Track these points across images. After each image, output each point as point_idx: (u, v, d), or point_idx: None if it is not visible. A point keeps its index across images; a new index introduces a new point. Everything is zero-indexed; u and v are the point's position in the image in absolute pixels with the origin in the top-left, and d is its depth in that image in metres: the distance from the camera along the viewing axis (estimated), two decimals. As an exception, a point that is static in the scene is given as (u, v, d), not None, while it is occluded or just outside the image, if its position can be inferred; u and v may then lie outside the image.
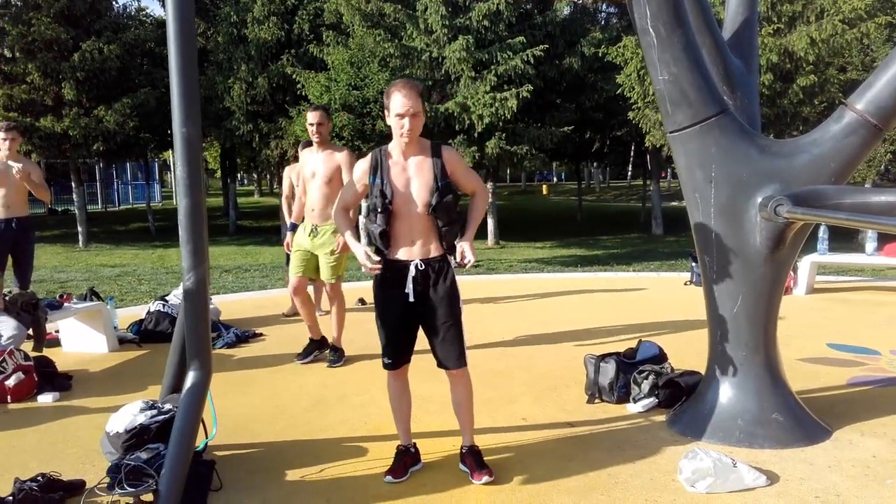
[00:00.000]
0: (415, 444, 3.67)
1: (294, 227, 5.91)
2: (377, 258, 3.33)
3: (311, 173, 5.65)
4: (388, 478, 3.47)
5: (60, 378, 5.12)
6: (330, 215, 5.50)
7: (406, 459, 3.57)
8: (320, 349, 5.82)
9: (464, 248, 3.32)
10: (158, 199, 35.89)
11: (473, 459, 3.52)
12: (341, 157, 5.61)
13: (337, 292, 5.73)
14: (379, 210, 3.33)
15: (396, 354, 3.50)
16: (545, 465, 3.62)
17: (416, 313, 3.42)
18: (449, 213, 3.34)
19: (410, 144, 3.34)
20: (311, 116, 5.56)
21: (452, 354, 3.44)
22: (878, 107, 3.66)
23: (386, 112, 3.36)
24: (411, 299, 3.36)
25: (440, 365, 3.50)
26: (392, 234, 3.37)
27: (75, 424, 4.34)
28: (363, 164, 3.46)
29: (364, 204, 3.59)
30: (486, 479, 3.42)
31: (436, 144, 3.42)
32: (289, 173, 7.23)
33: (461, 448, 3.62)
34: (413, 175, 3.35)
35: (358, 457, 3.80)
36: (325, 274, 5.64)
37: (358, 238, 3.51)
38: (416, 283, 3.36)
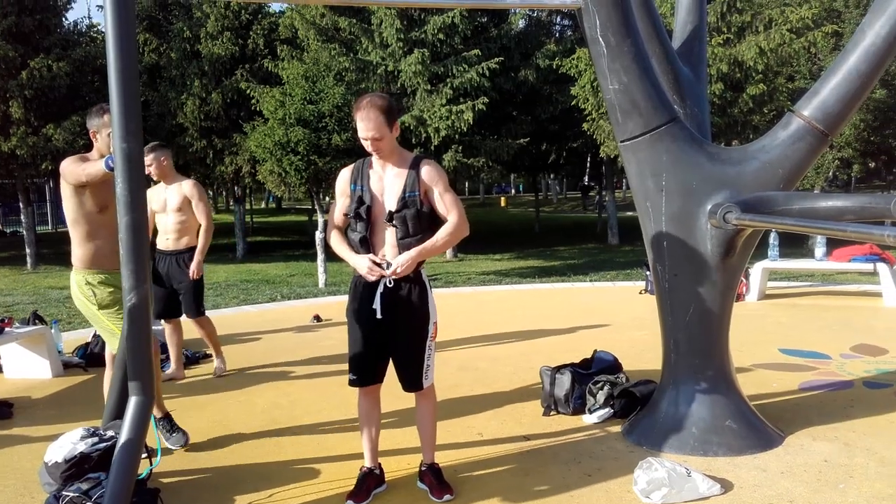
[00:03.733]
0: (380, 465, 3.56)
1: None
2: (380, 260, 3.19)
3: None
4: (350, 502, 3.34)
5: (0, 406, 4.92)
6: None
7: (370, 482, 3.45)
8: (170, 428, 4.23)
9: (402, 257, 3.16)
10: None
11: (434, 477, 3.44)
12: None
13: None
14: (356, 216, 3.24)
15: (362, 371, 3.37)
16: (501, 481, 3.56)
17: (385, 331, 3.30)
18: (406, 225, 3.19)
19: (386, 158, 3.25)
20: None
21: (410, 377, 3.35)
22: (825, 113, 3.70)
23: None
24: (379, 315, 3.25)
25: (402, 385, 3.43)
26: (372, 242, 3.26)
27: (15, 454, 4.16)
28: (345, 174, 3.36)
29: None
30: (447, 497, 3.34)
31: (417, 157, 3.31)
32: (150, 196, 5.29)
33: (420, 466, 3.54)
34: (388, 184, 3.25)
35: (311, 479, 3.69)
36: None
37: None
38: (385, 300, 3.25)
